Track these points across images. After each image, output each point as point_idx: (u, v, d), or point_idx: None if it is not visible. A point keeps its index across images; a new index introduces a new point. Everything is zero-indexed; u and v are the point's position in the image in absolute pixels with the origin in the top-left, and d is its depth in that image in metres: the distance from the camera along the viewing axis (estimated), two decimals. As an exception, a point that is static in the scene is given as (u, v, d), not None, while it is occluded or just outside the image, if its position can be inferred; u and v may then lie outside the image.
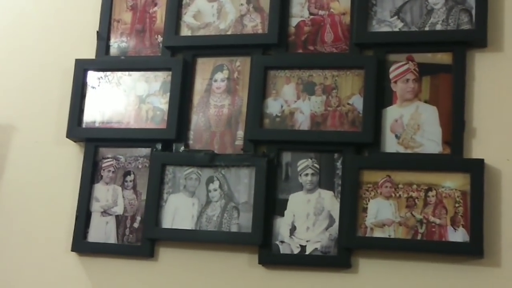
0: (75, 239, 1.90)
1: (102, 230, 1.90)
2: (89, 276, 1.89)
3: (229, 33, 1.94)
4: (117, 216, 1.90)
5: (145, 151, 1.92)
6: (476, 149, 1.69)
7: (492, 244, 1.63)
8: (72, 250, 1.90)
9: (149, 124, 1.93)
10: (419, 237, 1.66)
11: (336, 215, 1.74)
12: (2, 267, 1.97)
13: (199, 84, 1.93)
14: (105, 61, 2.01)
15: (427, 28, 1.78)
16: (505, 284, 1.61)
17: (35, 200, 1.99)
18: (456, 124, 1.70)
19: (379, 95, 1.77)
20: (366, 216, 1.71)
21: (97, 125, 1.97)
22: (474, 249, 1.62)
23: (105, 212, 1.91)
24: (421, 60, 1.77)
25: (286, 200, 1.79)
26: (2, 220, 2.01)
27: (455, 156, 1.69)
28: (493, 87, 1.72)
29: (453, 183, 1.67)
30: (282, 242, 1.76)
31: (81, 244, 1.90)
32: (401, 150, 1.74)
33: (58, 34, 2.10)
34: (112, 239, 1.89)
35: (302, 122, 1.82)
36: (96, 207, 1.92)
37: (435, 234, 1.66)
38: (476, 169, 1.65)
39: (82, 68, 2.00)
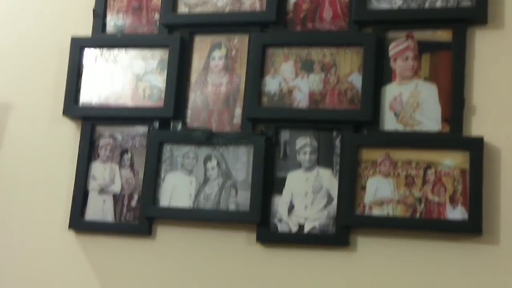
0: (72, 217, 1.89)
1: (99, 208, 1.89)
2: (86, 254, 1.89)
3: (226, 10, 1.91)
4: (114, 195, 1.89)
5: (143, 129, 1.90)
6: (476, 127, 1.68)
7: (491, 222, 1.63)
8: (70, 228, 1.89)
9: (146, 102, 1.92)
10: (417, 215, 1.66)
11: (334, 193, 1.74)
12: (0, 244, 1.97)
13: (197, 62, 1.92)
14: (102, 38, 1.99)
15: (427, 5, 1.76)
16: (504, 261, 1.61)
17: (32, 179, 1.98)
18: (455, 102, 1.69)
19: (378, 73, 1.75)
20: (365, 194, 1.70)
21: (94, 103, 1.95)
22: (472, 227, 1.61)
23: (102, 191, 1.90)
24: (421, 38, 1.75)
25: (285, 179, 1.78)
26: (-1, 198, 2.00)
27: (454, 134, 1.68)
28: (493, 65, 1.70)
29: (452, 161, 1.66)
30: (280, 220, 1.76)
31: (79, 222, 1.89)
32: (400, 128, 1.73)
33: (54, 11, 2.08)
34: (109, 217, 1.88)
35: (301, 100, 1.80)
36: (93, 185, 1.91)
37: (433, 212, 1.65)
38: (476, 147, 1.64)
39: (78, 45, 1.98)
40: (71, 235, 1.91)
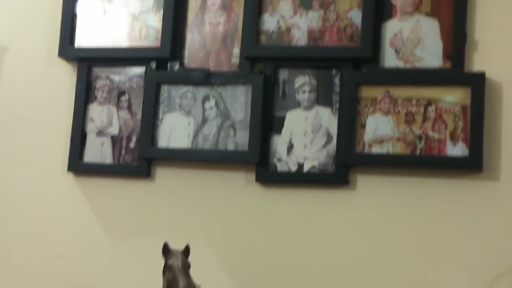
0: (71, 159, 1.89)
1: (98, 150, 1.88)
2: (86, 196, 1.88)
3: None
4: (112, 137, 1.88)
5: (140, 70, 1.88)
6: (478, 62, 1.65)
7: (492, 158, 1.61)
8: (69, 170, 1.89)
9: (142, 42, 1.88)
10: (417, 152, 1.64)
11: (334, 132, 1.72)
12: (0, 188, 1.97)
13: (193, 1, 1.87)
14: (96, -22, 1.95)
15: None
16: (504, 198, 1.60)
17: (30, 121, 1.96)
18: (457, 37, 1.66)
19: (378, 9, 1.72)
20: (364, 133, 1.69)
21: (89, 44, 1.92)
22: (473, 163, 1.60)
23: (100, 133, 1.89)
24: (422, -29, 1.71)
25: (283, 118, 1.76)
26: (-3, 142, 2.00)
27: (455, 69, 1.65)
28: (496, -2, 1.67)
29: (453, 97, 1.64)
30: (279, 160, 1.75)
31: (77, 164, 1.89)
32: (401, 65, 1.70)
33: (47, -49, 2.03)
34: (108, 159, 1.87)
35: (299, 38, 1.77)
36: (91, 127, 1.90)
37: (434, 149, 1.63)
38: (477, 83, 1.61)
39: (72, -15, 1.94)
40: (70, 177, 1.90)
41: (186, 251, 1.49)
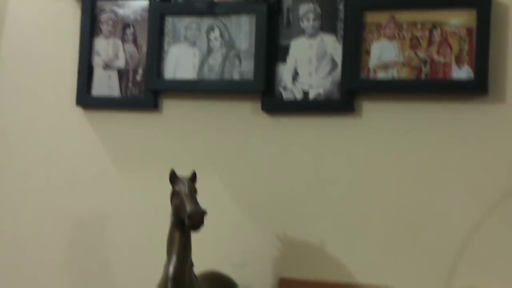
0: (79, 93, 1.90)
1: (105, 84, 1.90)
2: (95, 129, 1.91)
3: None
4: (119, 70, 1.89)
5: (144, 2, 1.87)
6: (484, -16, 1.63)
7: (497, 81, 1.60)
8: (77, 104, 1.91)
9: (145, -27, 1.88)
10: (423, 77, 1.64)
11: (338, 59, 1.71)
12: (8, 123, 1.99)
13: None
14: None
15: None
16: (509, 120, 1.60)
17: (37, 56, 1.98)
18: (463, -42, 1.63)
19: None
20: (369, 59, 1.68)
21: (92, -23, 1.92)
22: (478, 86, 1.59)
23: (107, 66, 1.90)
24: None
25: (288, 46, 1.75)
26: (4, 78, 2.01)
27: (461, -9, 1.63)
28: None
29: (458, 20, 1.62)
30: (285, 88, 1.75)
31: (85, 98, 1.90)
32: (406, -12, 1.68)
33: None
34: (115, 92, 1.89)
35: (303, -35, 1.75)
36: (97, 61, 1.91)
37: (439, 73, 1.63)
38: (483, 4, 1.59)
39: None
40: (79, 111, 1.93)
41: (193, 177, 1.52)
